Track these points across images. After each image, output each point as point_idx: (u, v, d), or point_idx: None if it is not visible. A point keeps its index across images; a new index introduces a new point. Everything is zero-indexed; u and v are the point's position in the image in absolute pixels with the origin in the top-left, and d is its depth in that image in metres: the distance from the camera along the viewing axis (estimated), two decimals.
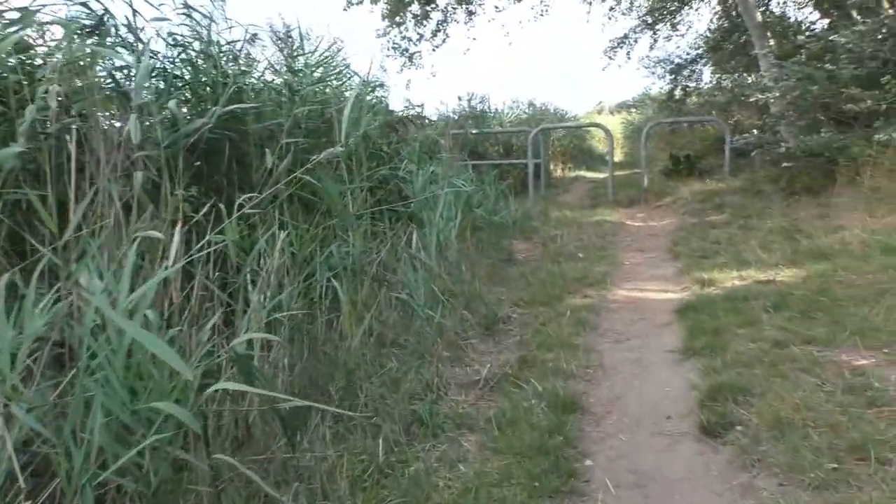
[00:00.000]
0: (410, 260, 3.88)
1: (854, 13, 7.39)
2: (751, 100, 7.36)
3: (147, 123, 2.64)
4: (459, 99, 12.13)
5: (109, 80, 2.90)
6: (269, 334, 2.51)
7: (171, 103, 2.90)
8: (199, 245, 2.38)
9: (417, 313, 3.58)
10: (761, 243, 5.45)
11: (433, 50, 12.42)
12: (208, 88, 3.44)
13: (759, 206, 6.95)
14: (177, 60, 3.46)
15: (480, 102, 13.70)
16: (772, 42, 8.46)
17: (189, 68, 3.53)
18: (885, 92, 6.04)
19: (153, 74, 3.20)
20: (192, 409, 1.89)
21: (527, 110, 16.20)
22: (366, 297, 3.62)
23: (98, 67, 2.76)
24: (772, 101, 7.01)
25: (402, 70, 12.04)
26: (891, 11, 6.76)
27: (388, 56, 12.09)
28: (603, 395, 3.00)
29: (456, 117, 8.46)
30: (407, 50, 12.22)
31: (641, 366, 3.29)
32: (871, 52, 6.36)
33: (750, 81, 7.53)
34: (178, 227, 2.26)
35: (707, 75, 16.19)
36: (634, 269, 5.56)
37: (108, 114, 2.75)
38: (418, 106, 7.12)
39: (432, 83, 12.48)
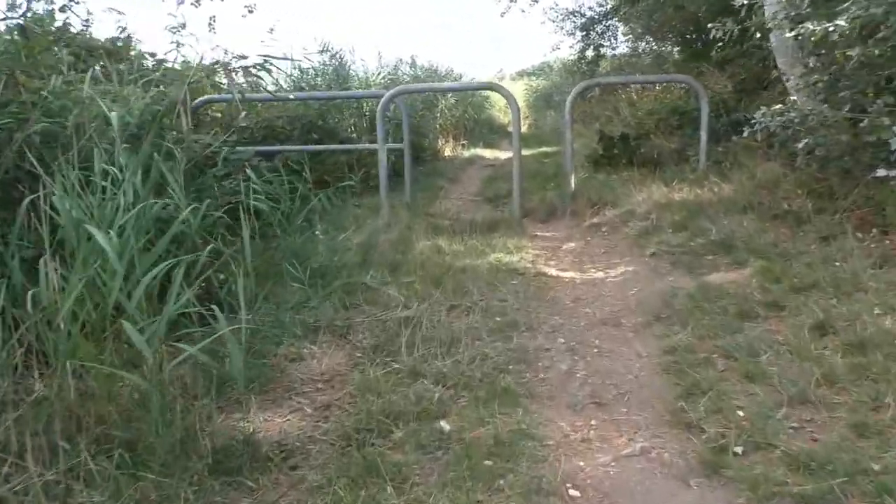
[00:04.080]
0: None
1: None
2: (788, 33, 3.73)
3: None
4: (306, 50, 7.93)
5: None
6: None
7: None
8: None
9: None
10: None
11: None
12: None
13: (821, 255, 3.36)
14: None
15: (334, 57, 9.60)
16: None
17: None
18: None
19: None
20: None
21: (408, 71, 12.22)
22: None
23: None
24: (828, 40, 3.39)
25: (198, 2, 7.67)
26: None
27: None
28: None
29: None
30: None
31: None
32: None
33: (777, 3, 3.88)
34: None
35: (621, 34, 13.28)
36: None
37: None
38: None
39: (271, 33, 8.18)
